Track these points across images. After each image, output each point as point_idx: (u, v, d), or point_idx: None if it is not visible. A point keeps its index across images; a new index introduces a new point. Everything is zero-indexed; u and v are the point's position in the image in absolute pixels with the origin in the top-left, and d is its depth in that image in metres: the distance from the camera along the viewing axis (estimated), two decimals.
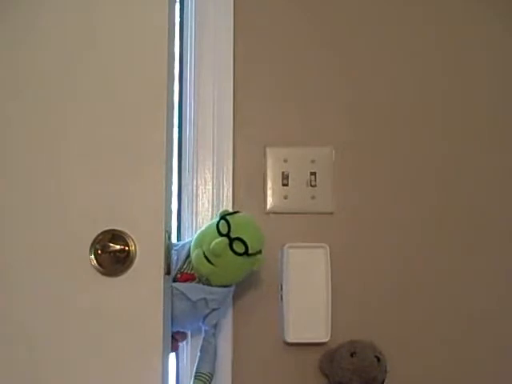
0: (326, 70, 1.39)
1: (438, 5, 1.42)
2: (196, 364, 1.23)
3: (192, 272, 1.20)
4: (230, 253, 1.16)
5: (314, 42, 1.39)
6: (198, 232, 1.23)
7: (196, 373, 1.22)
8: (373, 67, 1.40)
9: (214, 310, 1.22)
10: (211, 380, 1.22)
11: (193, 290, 1.19)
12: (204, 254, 1.17)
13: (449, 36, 1.41)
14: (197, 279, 1.20)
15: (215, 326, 1.24)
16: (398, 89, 1.40)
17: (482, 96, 1.41)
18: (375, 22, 1.40)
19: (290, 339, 1.29)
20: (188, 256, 1.21)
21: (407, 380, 1.31)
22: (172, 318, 1.19)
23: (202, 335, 1.25)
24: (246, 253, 1.16)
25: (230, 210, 1.27)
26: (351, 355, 1.24)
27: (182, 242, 1.26)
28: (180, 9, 1.40)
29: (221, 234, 1.16)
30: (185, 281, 1.20)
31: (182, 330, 1.27)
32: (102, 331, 1.07)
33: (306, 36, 1.39)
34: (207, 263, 1.17)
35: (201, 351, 1.24)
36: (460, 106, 1.40)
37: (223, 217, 1.18)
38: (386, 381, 1.25)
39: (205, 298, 1.20)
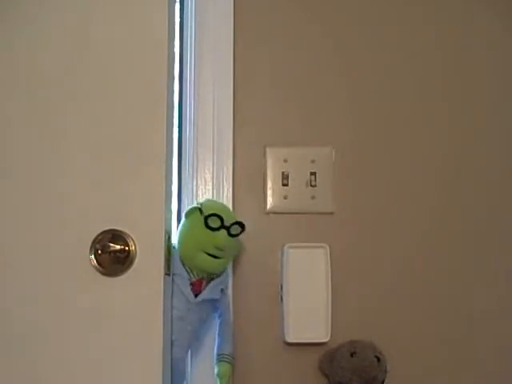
0: (326, 70, 1.39)
1: (438, 5, 1.42)
2: (216, 345, 1.24)
3: (200, 276, 1.20)
4: (230, 239, 1.19)
5: (314, 42, 1.39)
6: (184, 240, 1.20)
7: (219, 355, 1.24)
8: (373, 67, 1.39)
9: (225, 292, 1.26)
10: (233, 360, 1.25)
11: (213, 290, 1.22)
12: (209, 254, 1.18)
13: (449, 36, 1.41)
14: (206, 279, 1.21)
15: (229, 306, 1.27)
16: (398, 89, 1.39)
17: (482, 96, 1.40)
18: (375, 22, 1.40)
19: (290, 339, 1.29)
20: (183, 265, 1.20)
21: (407, 380, 1.31)
22: (202, 326, 1.23)
23: (217, 321, 1.26)
24: (243, 230, 1.21)
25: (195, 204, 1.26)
26: (351, 355, 1.23)
27: None
28: (180, 9, 1.40)
29: (213, 229, 1.17)
30: (199, 287, 1.21)
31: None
32: (102, 331, 1.07)
33: (306, 36, 1.39)
34: (216, 260, 1.19)
35: (220, 335, 1.25)
36: (460, 106, 1.40)
37: (211, 214, 1.18)
38: (386, 381, 1.25)
39: (222, 289, 1.24)
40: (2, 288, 1.08)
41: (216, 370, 1.22)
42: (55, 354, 1.07)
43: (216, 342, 1.25)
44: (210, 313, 1.25)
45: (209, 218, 1.18)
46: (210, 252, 1.18)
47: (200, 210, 1.20)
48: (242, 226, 1.20)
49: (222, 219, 1.18)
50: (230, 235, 1.19)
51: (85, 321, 1.07)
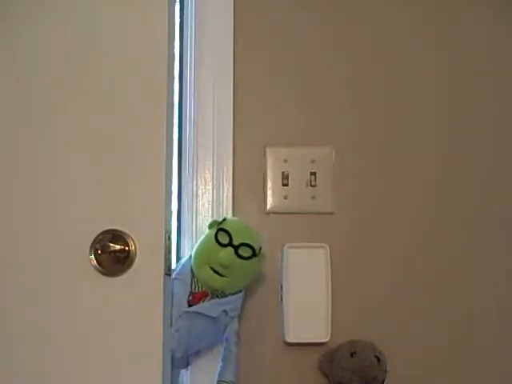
0: (326, 70, 1.39)
1: (437, 4, 1.42)
2: (218, 372, 1.23)
3: (203, 290, 1.20)
4: (238, 260, 1.17)
5: (314, 42, 1.39)
6: (196, 249, 1.21)
7: (218, 381, 1.22)
8: (373, 67, 1.39)
9: (233, 317, 1.23)
10: None
11: (211, 307, 1.20)
12: (213, 269, 1.17)
13: (449, 36, 1.41)
14: (210, 295, 1.20)
15: (237, 334, 1.24)
16: (398, 89, 1.39)
17: (482, 96, 1.41)
18: (375, 22, 1.40)
19: (290, 339, 1.29)
20: (192, 276, 1.20)
21: (407, 380, 1.31)
22: (193, 338, 1.21)
23: (223, 345, 1.24)
24: (254, 255, 1.18)
25: (216, 218, 1.28)
26: (351, 355, 1.23)
27: (178, 267, 1.24)
28: (180, 9, 1.40)
29: (222, 245, 1.17)
30: (199, 300, 1.20)
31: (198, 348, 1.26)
32: (102, 331, 1.07)
33: (306, 36, 1.39)
34: (219, 277, 1.18)
35: (223, 360, 1.24)
36: (460, 106, 1.40)
37: (220, 228, 1.18)
38: (385, 381, 1.25)
39: (225, 310, 1.21)
40: (2, 288, 1.08)
41: None
42: (55, 353, 1.07)
43: (219, 367, 1.24)
44: (203, 329, 1.21)
45: (219, 233, 1.17)
46: (214, 267, 1.17)
47: (219, 223, 1.20)
48: (253, 249, 1.17)
49: (230, 236, 1.17)
50: (238, 256, 1.17)
51: (85, 321, 1.07)
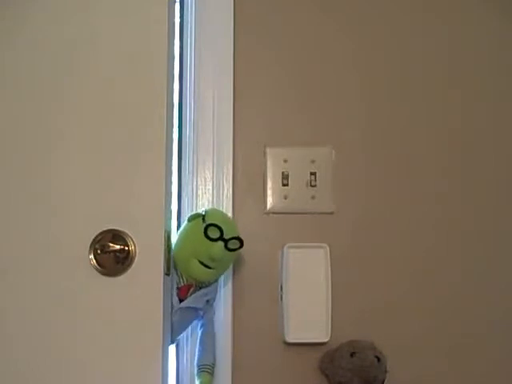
0: (326, 70, 1.39)
1: (438, 6, 1.42)
2: (197, 356, 1.24)
3: (189, 282, 1.20)
4: (227, 252, 1.18)
5: (314, 42, 1.39)
6: (180, 243, 1.20)
7: (200, 365, 1.23)
8: (374, 67, 1.39)
9: (212, 305, 1.26)
10: (214, 370, 1.24)
11: (197, 299, 1.21)
12: (202, 263, 1.17)
13: (449, 36, 1.41)
14: (194, 286, 1.21)
15: (214, 314, 1.27)
16: (397, 88, 1.39)
17: (483, 95, 1.40)
18: (376, 22, 1.40)
19: (290, 339, 1.29)
20: (175, 269, 1.19)
21: (407, 380, 1.31)
22: (182, 330, 1.23)
23: (199, 328, 1.25)
24: (241, 246, 1.20)
25: (198, 211, 1.26)
26: (351, 355, 1.23)
27: None
28: (180, 9, 1.40)
29: (211, 239, 1.17)
30: (186, 293, 1.20)
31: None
32: (102, 331, 1.07)
33: (306, 36, 1.39)
34: (207, 270, 1.18)
35: (202, 344, 1.24)
36: (460, 106, 1.40)
37: (211, 223, 1.17)
38: (385, 381, 1.25)
39: (208, 300, 1.24)
40: (1, 288, 1.08)
41: (198, 382, 1.21)
42: (55, 353, 1.07)
43: (197, 353, 1.24)
44: (190, 320, 1.24)
45: (209, 228, 1.17)
46: (204, 261, 1.17)
47: (203, 217, 1.20)
48: (240, 241, 1.19)
49: (221, 231, 1.17)
50: (227, 249, 1.18)
51: (84, 320, 1.07)
